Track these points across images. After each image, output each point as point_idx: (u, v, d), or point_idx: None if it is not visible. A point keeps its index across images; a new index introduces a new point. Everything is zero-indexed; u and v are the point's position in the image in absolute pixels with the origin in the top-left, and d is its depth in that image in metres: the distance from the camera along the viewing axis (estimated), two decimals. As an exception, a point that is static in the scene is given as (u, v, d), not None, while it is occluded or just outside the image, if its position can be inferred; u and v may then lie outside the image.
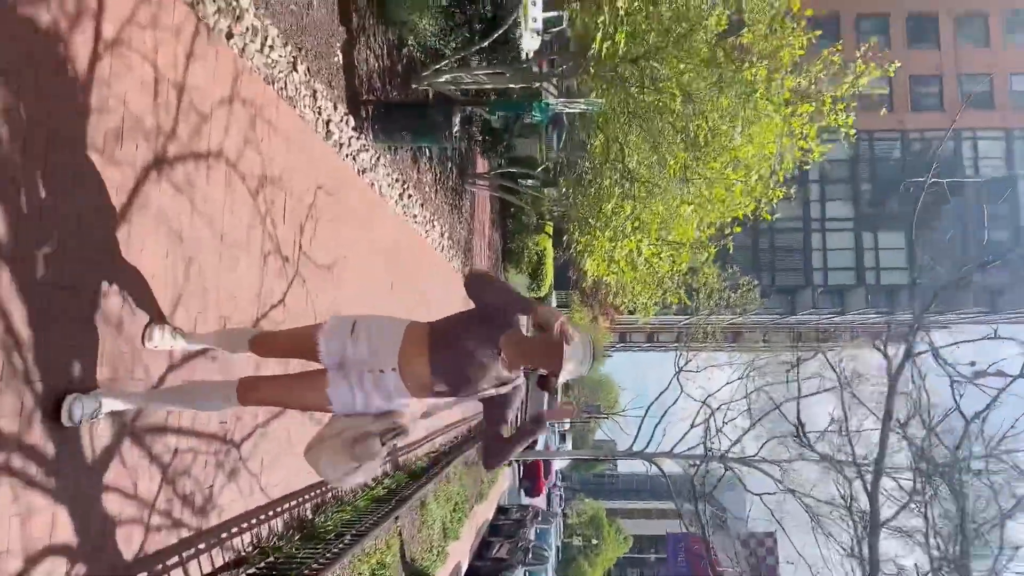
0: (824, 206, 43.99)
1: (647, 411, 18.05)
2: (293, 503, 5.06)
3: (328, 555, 4.71)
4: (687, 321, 36.16)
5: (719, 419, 16.55)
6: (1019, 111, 43.31)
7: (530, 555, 17.29)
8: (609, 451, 20.01)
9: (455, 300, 12.20)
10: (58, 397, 2.68)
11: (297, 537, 4.83)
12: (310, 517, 5.29)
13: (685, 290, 8.21)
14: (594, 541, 69.72)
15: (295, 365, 3.08)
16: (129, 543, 3.16)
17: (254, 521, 4.40)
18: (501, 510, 22.05)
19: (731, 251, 8.48)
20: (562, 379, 2.62)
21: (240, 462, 4.24)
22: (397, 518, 7.65)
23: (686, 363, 18.16)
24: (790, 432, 18.05)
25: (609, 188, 7.52)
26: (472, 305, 2.79)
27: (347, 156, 6.22)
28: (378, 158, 6.97)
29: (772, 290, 40.20)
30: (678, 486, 18.56)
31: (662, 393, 17.80)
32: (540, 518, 22.71)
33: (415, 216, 8.60)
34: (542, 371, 2.69)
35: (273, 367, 4.01)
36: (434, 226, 9.68)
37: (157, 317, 3.31)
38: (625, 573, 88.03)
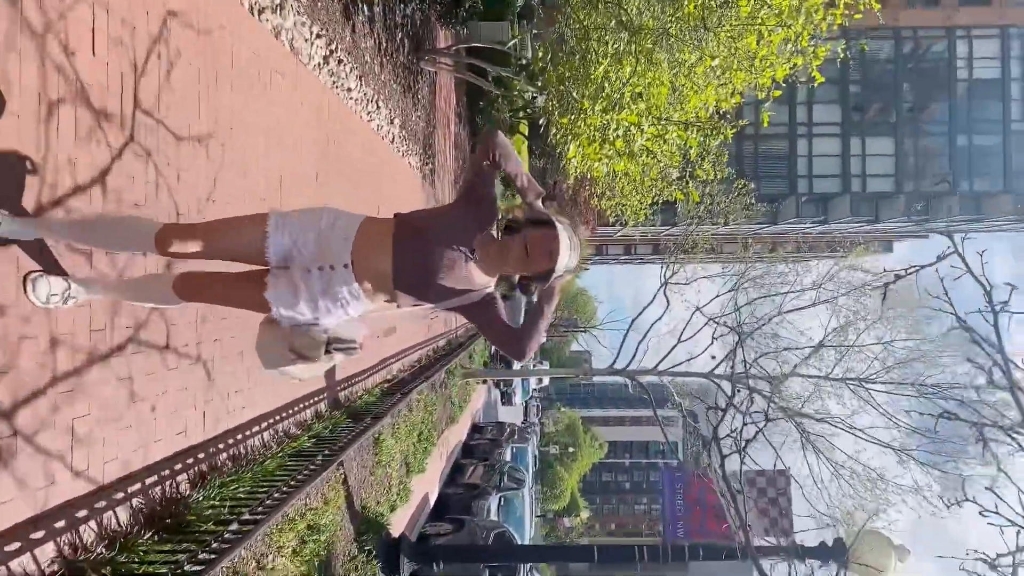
0: (811, 109, 42.01)
1: (631, 325, 16.68)
2: (154, 478, 3.49)
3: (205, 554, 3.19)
4: (669, 230, 34.67)
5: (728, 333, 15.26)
6: (1017, 6, 41.07)
7: (505, 479, 16.20)
8: (588, 370, 18.77)
9: (413, 204, 10.45)
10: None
11: (151, 534, 3.26)
12: (186, 494, 3.73)
13: (682, 186, 6.51)
14: (570, 449, 70.98)
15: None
16: None
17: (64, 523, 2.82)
18: (476, 428, 20.92)
19: (766, 125, 6.73)
20: (556, 276, 2.36)
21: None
22: (341, 464, 6.19)
23: (672, 275, 16.69)
24: (783, 347, 16.88)
25: (600, 45, 5.71)
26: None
27: (231, -17, 4.36)
28: (285, -3, 5.10)
29: (755, 198, 38.69)
30: (658, 400, 17.47)
31: (647, 307, 16.38)
32: (516, 436, 21.66)
33: (350, 91, 6.75)
34: (526, 273, 2.41)
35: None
36: (379, 109, 7.83)
37: None
38: (601, 477, 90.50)
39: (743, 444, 6.48)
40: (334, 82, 6.26)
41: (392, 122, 8.48)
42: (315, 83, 5.87)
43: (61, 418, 2.84)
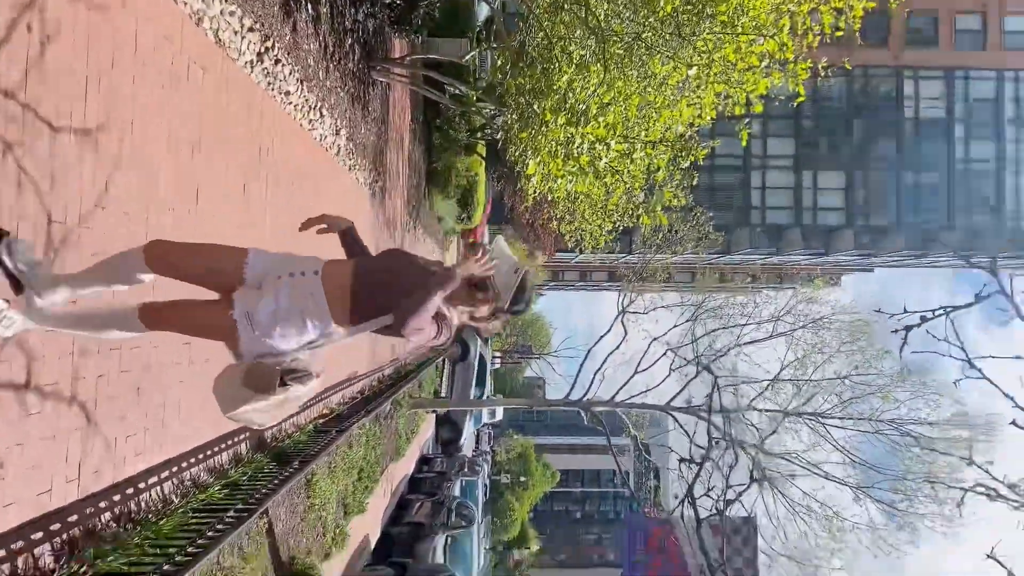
0: (766, 143, 42.63)
1: (587, 355, 16.18)
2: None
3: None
4: (625, 258, 34.50)
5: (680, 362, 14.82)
6: (961, 51, 42.48)
7: (453, 516, 15.40)
8: (543, 400, 18.17)
9: (360, 223, 9.77)
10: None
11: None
12: (50, 570, 2.99)
13: (648, 209, 5.94)
14: (522, 478, 70.10)
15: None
16: None
17: None
18: (424, 460, 20.03)
19: (745, 143, 6.26)
20: (505, 301, 2.60)
21: None
22: (266, 512, 5.44)
23: (629, 303, 16.28)
24: (741, 379, 16.56)
25: (563, 54, 5.17)
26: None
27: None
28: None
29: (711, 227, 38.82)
30: (612, 428, 16.94)
31: (604, 336, 15.90)
32: (466, 468, 20.81)
33: (288, 95, 6.10)
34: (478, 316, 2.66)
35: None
36: (323, 117, 7.18)
37: None
38: (552, 506, 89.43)
39: (723, 507, 5.95)
40: (269, 83, 5.61)
41: (338, 133, 7.83)
42: (246, 82, 5.21)
43: None
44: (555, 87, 5.10)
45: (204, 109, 4.48)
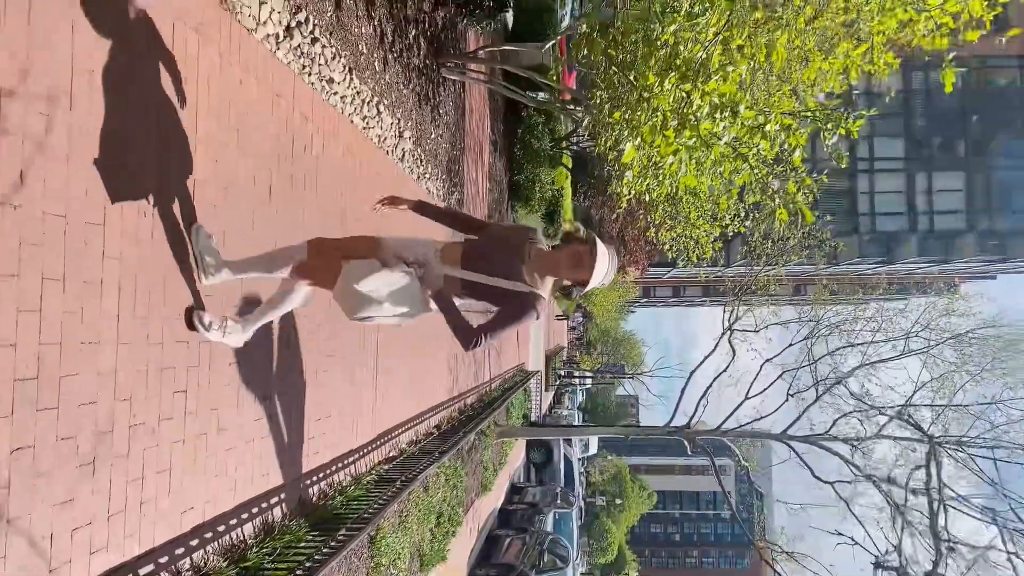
0: (872, 144, 39.57)
1: (690, 377, 14.62)
2: None
3: None
4: (720, 271, 32.44)
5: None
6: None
7: (546, 555, 14.12)
8: (642, 429, 16.71)
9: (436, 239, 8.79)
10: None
11: None
12: None
13: (781, 202, 4.54)
14: (617, 500, 68.25)
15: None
16: None
17: None
18: (515, 490, 18.83)
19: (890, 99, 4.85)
20: (590, 287, 2.82)
21: None
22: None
23: (735, 319, 14.66)
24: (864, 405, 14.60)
25: (667, 15, 3.93)
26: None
27: None
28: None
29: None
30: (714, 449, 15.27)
31: (708, 356, 14.32)
32: (559, 499, 19.44)
33: (332, 82, 5.13)
34: (566, 281, 2.89)
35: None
36: (380, 115, 6.20)
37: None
38: (649, 528, 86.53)
39: None
40: (304, 66, 4.64)
41: (401, 135, 6.84)
42: (270, 59, 4.25)
43: None
44: (658, 41, 3.89)
45: (202, 82, 3.51)
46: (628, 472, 72.05)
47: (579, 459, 36.04)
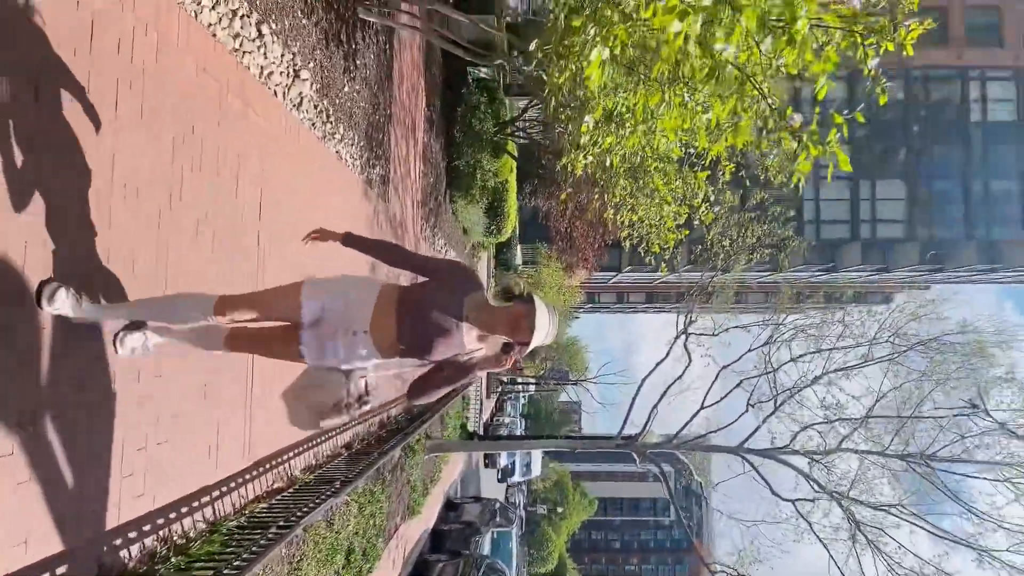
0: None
1: (640, 386, 13.40)
2: None
3: None
4: (660, 278, 31.59)
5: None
6: (1033, 48, 39.08)
7: (481, 581, 12.66)
8: (588, 443, 15.46)
9: (352, 218, 7.25)
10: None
11: None
12: None
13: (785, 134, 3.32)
14: (559, 509, 67.53)
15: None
16: None
17: None
18: (450, 506, 17.27)
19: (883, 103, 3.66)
20: (531, 347, 2.70)
21: None
22: None
23: (691, 322, 13.52)
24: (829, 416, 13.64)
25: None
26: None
27: None
28: None
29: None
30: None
31: (661, 361, 13.13)
32: (498, 516, 17.99)
33: (221, 17, 3.61)
34: (507, 340, 2.78)
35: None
36: (263, 39, 4.69)
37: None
38: (590, 536, 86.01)
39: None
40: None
41: (297, 75, 5.33)
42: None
43: None
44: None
45: None
46: (570, 479, 71.38)
47: (520, 483, 34.01)
